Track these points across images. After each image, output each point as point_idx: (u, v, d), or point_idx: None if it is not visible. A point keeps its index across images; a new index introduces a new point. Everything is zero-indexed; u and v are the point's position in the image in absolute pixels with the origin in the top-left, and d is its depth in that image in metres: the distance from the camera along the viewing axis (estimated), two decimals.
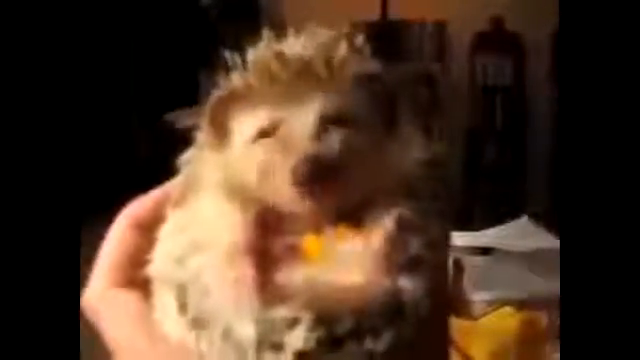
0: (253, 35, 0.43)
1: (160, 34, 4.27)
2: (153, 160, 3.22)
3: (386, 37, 3.74)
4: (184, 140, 0.46)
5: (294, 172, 0.40)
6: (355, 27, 0.44)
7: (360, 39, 0.43)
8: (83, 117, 3.53)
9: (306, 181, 0.39)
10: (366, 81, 0.43)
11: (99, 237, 0.48)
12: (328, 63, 0.42)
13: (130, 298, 0.44)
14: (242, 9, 4.08)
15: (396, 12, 3.90)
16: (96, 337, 0.45)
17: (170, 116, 3.52)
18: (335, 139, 0.41)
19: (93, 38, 4.00)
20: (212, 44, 3.71)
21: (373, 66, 0.43)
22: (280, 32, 0.44)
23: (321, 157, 0.40)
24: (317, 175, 0.40)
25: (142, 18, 4.30)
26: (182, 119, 3.02)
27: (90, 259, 0.47)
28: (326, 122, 0.42)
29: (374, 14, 3.75)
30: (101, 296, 0.45)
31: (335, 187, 0.40)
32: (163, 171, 0.48)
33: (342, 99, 0.43)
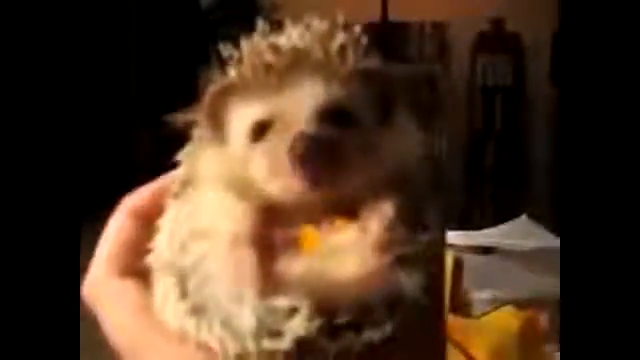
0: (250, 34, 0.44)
1: (160, 35, 4.28)
2: (151, 161, 3.22)
3: (386, 38, 3.74)
4: (183, 139, 0.46)
5: (292, 147, 0.40)
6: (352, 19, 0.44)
7: (357, 30, 0.43)
8: (81, 117, 3.53)
9: (303, 156, 0.40)
10: (363, 74, 0.43)
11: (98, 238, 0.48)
12: (325, 53, 0.43)
13: (129, 286, 0.44)
14: (241, 10, 4.08)
15: (396, 14, 3.90)
16: (96, 336, 0.45)
17: (169, 117, 3.52)
18: (331, 125, 0.41)
19: (92, 38, 4.00)
20: (211, 44, 3.71)
21: (370, 59, 0.44)
22: (277, 23, 0.44)
23: (318, 136, 0.40)
24: (314, 152, 0.40)
25: (142, 19, 4.31)
26: (181, 119, 3.02)
27: (90, 259, 0.48)
28: (322, 110, 0.42)
29: (374, 16, 3.75)
30: (100, 284, 0.45)
31: (332, 169, 0.40)
32: (162, 172, 0.48)
33: (338, 90, 0.43)
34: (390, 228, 0.40)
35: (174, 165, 0.46)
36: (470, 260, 1.12)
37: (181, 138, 0.46)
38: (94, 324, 0.45)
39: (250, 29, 0.44)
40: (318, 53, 0.42)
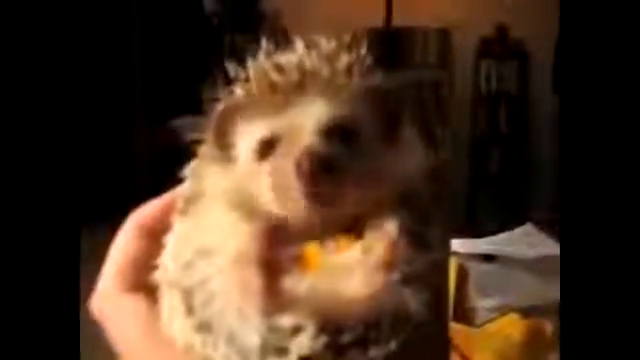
0: (255, 44, 0.44)
1: (164, 42, 4.29)
2: (154, 167, 3.23)
3: (390, 44, 3.75)
4: (187, 149, 0.47)
5: (298, 164, 0.40)
6: (359, 35, 0.45)
7: (363, 48, 0.44)
8: (85, 124, 3.55)
9: (309, 173, 0.40)
10: (369, 92, 0.43)
11: (101, 242, 0.48)
12: (332, 72, 0.43)
13: (137, 302, 0.45)
14: (245, 18, 4.09)
15: (400, 19, 3.90)
16: (96, 346, 0.45)
17: (173, 123, 3.54)
18: (337, 143, 0.42)
19: (98, 46, 4.02)
20: (215, 53, 3.73)
21: (376, 77, 0.44)
22: (283, 41, 0.44)
23: (324, 154, 0.41)
24: (320, 168, 0.40)
25: (147, 26, 4.32)
26: (185, 127, 3.03)
27: (93, 263, 0.48)
28: (328, 128, 0.42)
29: (378, 22, 3.76)
30: (108, 299, 0.46)
31: (337, 187, 0.41)
32: (164, 178, 0.48)
33: (344, 108, 0.43)
34: (394, 247, 0.40)
35: (176, 175, 0.46)
36: (474, 268, 1.12)
37: (185, 148, 0.46)
38: (94, 332, 0.45)
39: (253, 38, 0.44)
40: (325, 72, 0.43)
